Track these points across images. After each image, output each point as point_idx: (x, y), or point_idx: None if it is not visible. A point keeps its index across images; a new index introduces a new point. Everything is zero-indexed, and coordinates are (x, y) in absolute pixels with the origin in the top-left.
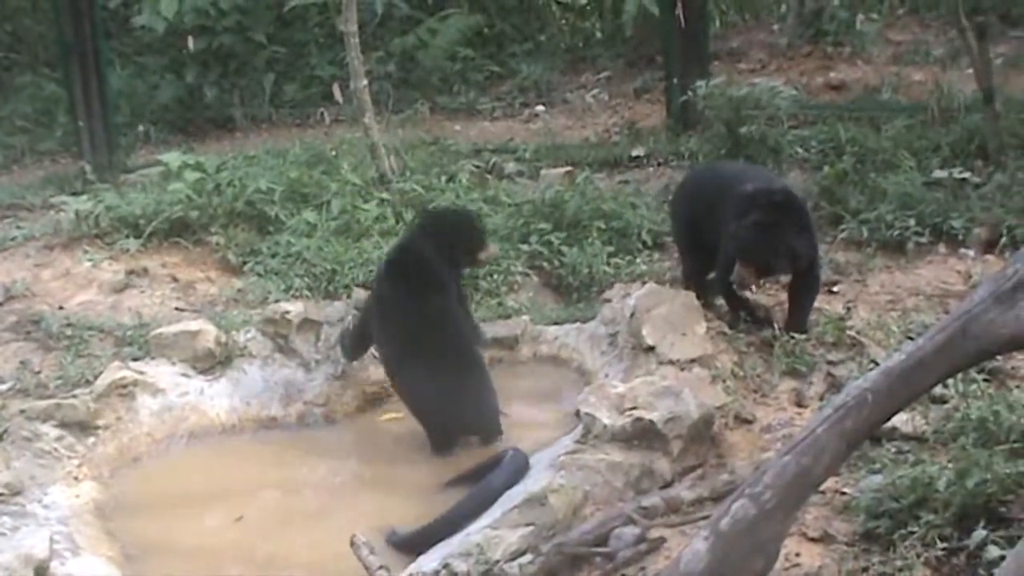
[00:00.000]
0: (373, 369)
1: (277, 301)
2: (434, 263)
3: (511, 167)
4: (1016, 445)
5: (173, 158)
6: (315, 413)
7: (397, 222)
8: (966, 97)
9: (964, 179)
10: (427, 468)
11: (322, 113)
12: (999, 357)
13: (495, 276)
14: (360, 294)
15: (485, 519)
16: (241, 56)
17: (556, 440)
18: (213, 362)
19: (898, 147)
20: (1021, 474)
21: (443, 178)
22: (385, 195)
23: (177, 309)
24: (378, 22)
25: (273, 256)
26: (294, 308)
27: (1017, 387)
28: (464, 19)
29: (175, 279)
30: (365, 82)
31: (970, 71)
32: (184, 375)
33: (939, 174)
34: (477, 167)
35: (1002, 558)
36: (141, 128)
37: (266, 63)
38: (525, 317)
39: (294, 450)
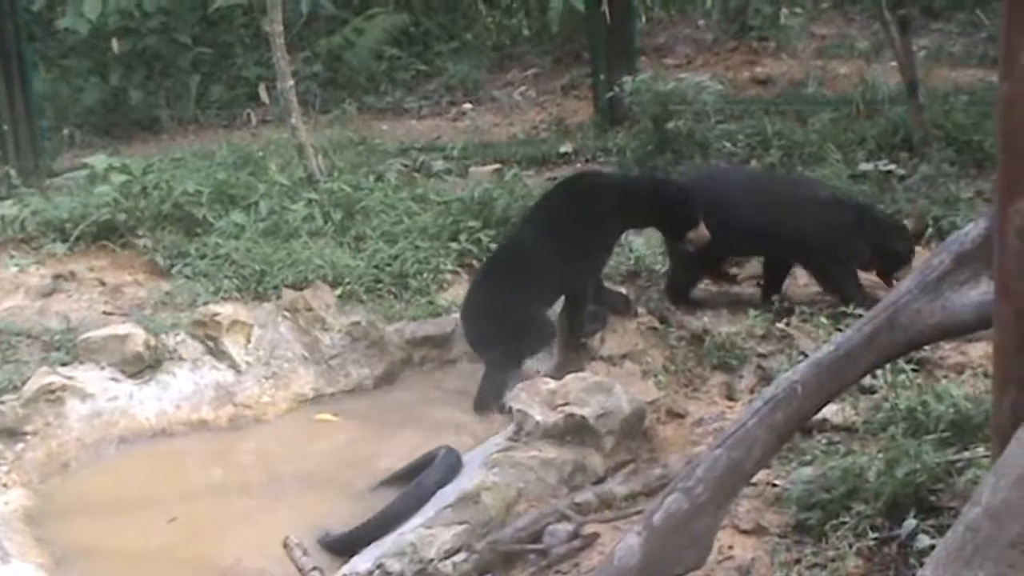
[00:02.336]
0: (303, 370)
1: (206, 303)
2: (604, 216)
3: (439, 165)
4: (945, 434)
5: (99, 161)
6: (246, 415)
7: (325, 222)
8: (890, 90)
9: (890, 171)
10: (360, 468)
11: (249, 114)
12: (927, 347)
13: (425, 275)
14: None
15: (419, 518)
16: (166, 58)
17: (488, 438)
18: (142, 366)
19: (824, 140)
20: (950, 463)
21: (371, 177)
22: (313, 195)
23: (105, 313)
24: (304, 22)
25: (202, 258)
26: (224, 310)
27: (945, 377)
28: (390, 18)
29: (103, 283)
30: (291, 82)
31: (894, 64)
32: (113, 379)
33: (865, 167)
34: (405, 166)
35: (932, 547)
36: (66, 131)
37: (191, 64)
38: (455, 315)
39: (226, 452)
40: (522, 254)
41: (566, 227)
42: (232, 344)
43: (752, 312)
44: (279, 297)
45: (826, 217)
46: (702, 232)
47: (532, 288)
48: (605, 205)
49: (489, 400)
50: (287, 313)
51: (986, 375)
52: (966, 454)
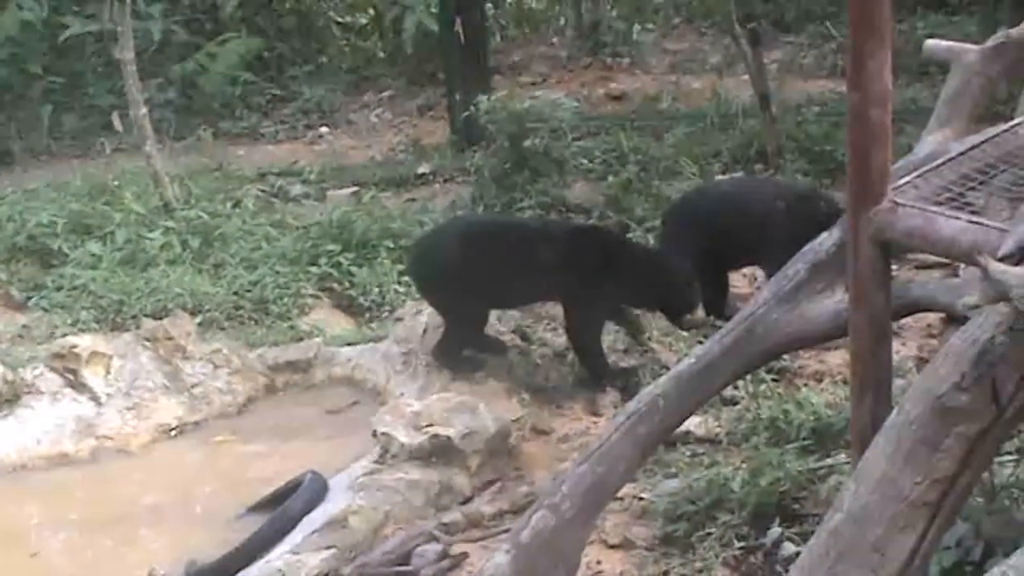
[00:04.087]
0: (165, 400)
1: (64, 335)
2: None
3: (297, 190)
4: (806, 442)
5: None
6: (108, 447)
7: (183, 250)
8: (743, 102)
9: None
10: (225, 497)
11: (103, 143)
12: (786, 356)
13: (285, 300)
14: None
15: (286, 544)
16: (17, 88)
17: (354, 461)
18: (0, 401)
19: (680, 154)
20: (812, 470)
21: (229, 204)
22: (170, 223)
23: None
24: (156, 49)
25: (58, 290)
26: (82, 342)
27: (805, 385)
28: (244, 43)
29: None
30: (145, 110)
31: (746, 77)
32: None
33: (721, 179)
34: (263, 191)
35: (797, 554)
36: None
37: (43, 94)
38: (317, 339)
39: (89, 485)
40: (525, 241)
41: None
42: (92, 376)
43: (614, 327)
44: (138, 327)
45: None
46: (698, 317)
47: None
48: (605, 273)
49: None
50: (147, 343)
51: (845, 382)
52: (828, 461)
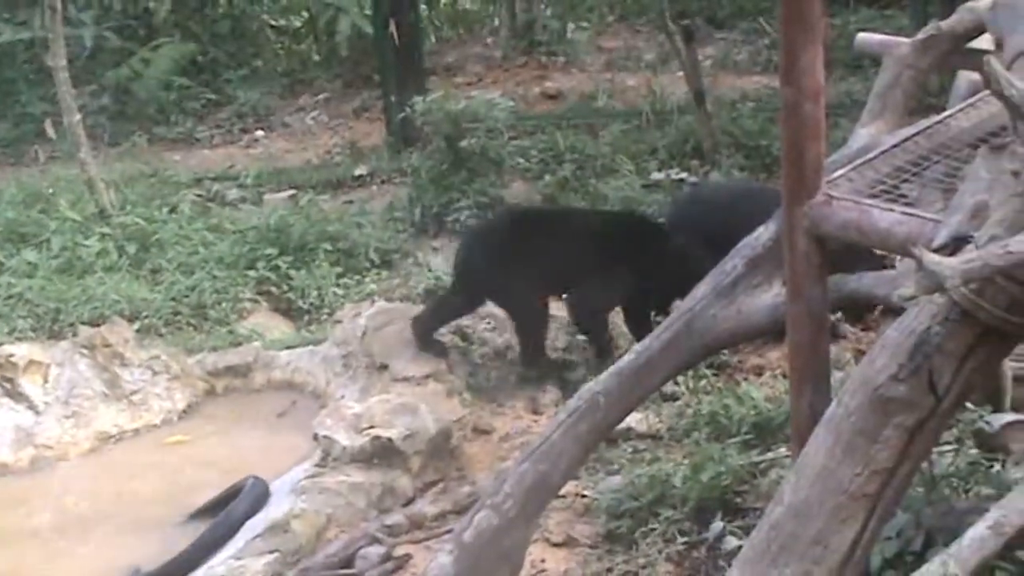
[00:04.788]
0: (104, 408)
1: (1, 344)
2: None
3: (233, 194)
4: (747, 436)
5: None
6: (47, 456)
7: (120, 256)
8: (678, 99)
9: (682, 179)
10: (167, 504)
11: (36, 151)
12: (726, 351)
13: (223, 304)
14: None
15: (228, 550)
16: None
17: (296, 465)
18: None
19: (616, 152)
20: (754, 464)
21: (165, 209)
22: (106, 230)
23: None
24: (89, 55)
25: None
26: (19, 350)
27: (745, 379)
28: (177, 48)
29: None
30: (78, 117)
31: (680, 74)
32: None
33: (657, 176)
34: (199, 196)
35: (740, 548)
36: None
37: None
38: (256, 343)
39: (28, 496)
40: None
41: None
42: (29, 384)
43: (555, 327)
44: (76, 334)
45: None
46: None
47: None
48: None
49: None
50: (85, 350)
51: (784, 376)
52: (769, 455)
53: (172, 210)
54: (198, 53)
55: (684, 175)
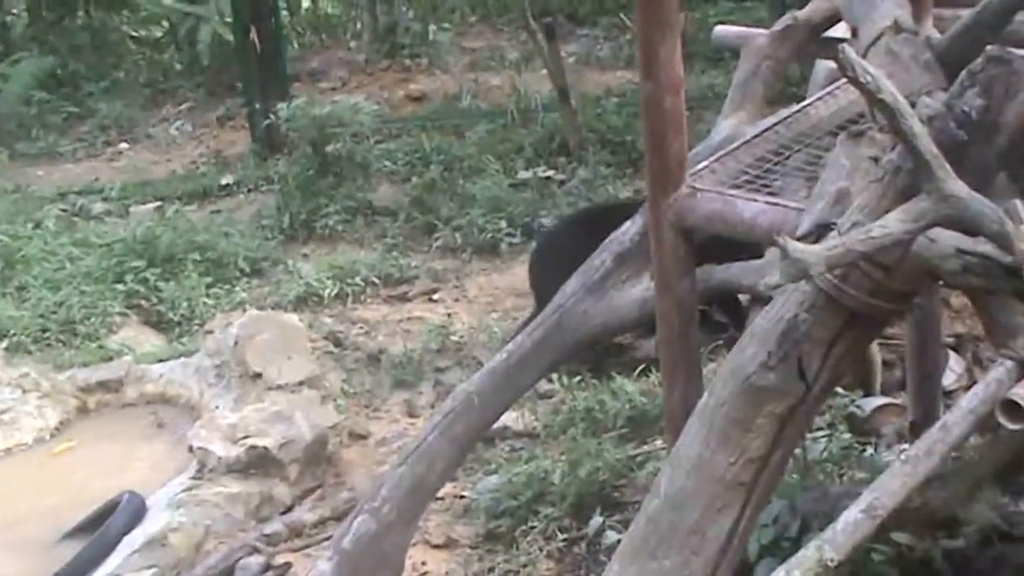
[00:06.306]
0: None
1: None
2: None
3: (99, 208)
4: (623, 430)
5: None
6: None
7: None
8: (543, 97)
9: (549, 177)
10: (41, 523)
11: None
12: (598, 346)
13: (92, 319)
14: None
15: (107, 567)
16: None
17: (172, 478)
18: None
19: (483, 152)
20: (631, 458)
21: (29, 225)
22: None
23: None
24: None
25: None
26: None
27: (619, 374)
28: (36, 62)
29: None
30: None
31: (544, 72)
32: None
33: (524, 175)
34: (64, 211)
35: (620, 542)
36: None
37: None
38: (127, 358)
39: None
40: None
41: None
42: None
43: (426, 328)
44: None
45: None
46: None
47: None
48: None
49: None
50: None
51: (657, 369)
52: (645, 448)
53: (37, 226)
54: (58, 66)
55: (551, 173)
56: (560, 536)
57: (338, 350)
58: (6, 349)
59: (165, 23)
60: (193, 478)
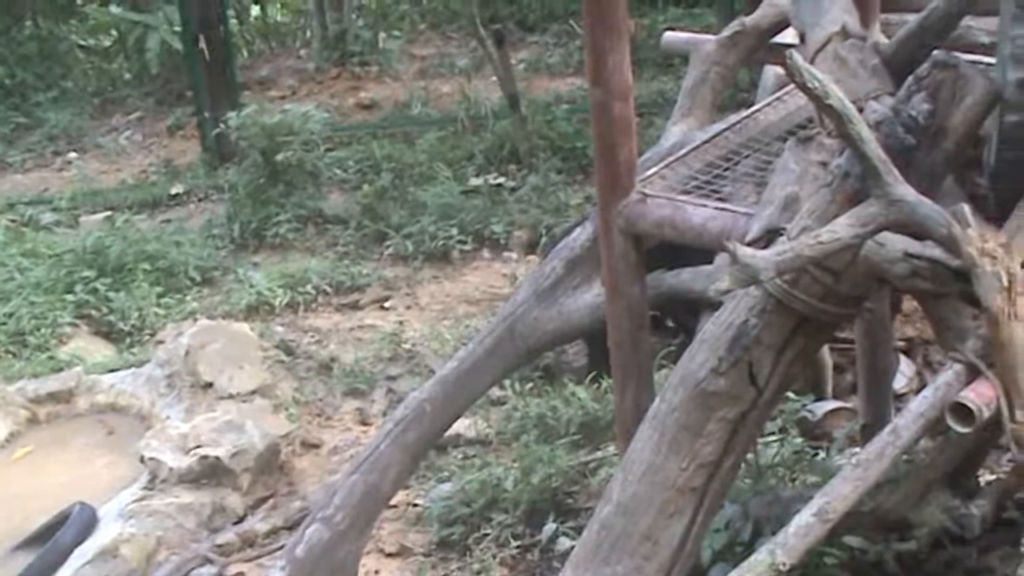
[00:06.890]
0: None
1: None
2: None
3: (48, 218)
4: (576, 437)
5: None
6: None
7: None
8: (493, 104)
9: (500, 184)
10: None
11: None
12: (550, 353)
13: (42, 330)
14: None
15: None
16: None
17: (123, 488)
18: None
19: (433, 159)
20: (583, 464)
21: None
22: None
23: None
24: None
25: None
26: None
27: (571, 380)
28: None
29: None
30: None
31: (494, 79)
32: None
33: (475, 182)
34: (13, 221)
35: (572, 548)
36: None
37: None
38: (78, 368)
39: None
40: None
41: None
42: None
43: (378, 336)
44: None
45: None
46: None
47: None
48: None
49: None
50: None
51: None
52: (598, 454)
53: None
54: (5, 76)
55: (502, 180)
56: (513, 543)
57: (290, 359)
58: None
59: (113, 32)
60: (144, 488)
